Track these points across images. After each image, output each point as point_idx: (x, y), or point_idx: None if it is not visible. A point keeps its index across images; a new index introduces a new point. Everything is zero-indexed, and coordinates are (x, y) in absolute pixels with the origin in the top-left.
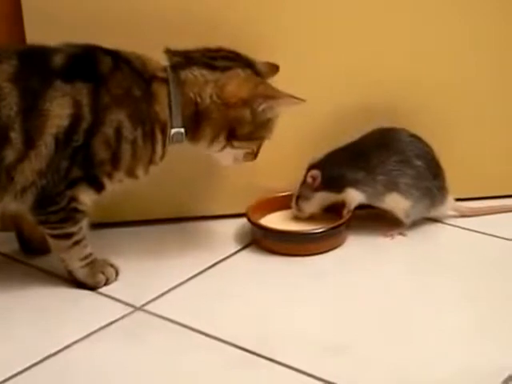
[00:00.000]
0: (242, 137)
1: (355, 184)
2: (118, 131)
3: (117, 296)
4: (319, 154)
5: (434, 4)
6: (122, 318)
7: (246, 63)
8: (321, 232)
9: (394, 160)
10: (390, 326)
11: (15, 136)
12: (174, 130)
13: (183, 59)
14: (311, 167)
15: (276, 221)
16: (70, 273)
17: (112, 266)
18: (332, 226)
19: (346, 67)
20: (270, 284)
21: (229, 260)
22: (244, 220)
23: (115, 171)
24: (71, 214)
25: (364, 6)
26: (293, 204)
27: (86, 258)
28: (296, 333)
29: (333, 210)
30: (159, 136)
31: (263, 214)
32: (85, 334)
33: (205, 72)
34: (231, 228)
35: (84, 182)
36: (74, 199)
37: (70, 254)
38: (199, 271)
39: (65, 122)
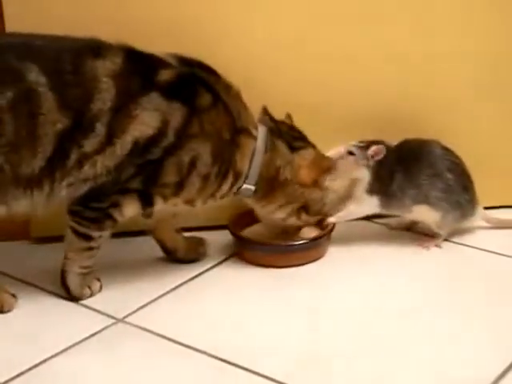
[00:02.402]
0: (312, 212)
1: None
2: (193, 162)
3: (98, 308)
4: None
5: (445, 19)
6: (104, 329)
7: (311, 142)
8: (300, 244)
9: (427, 173)
10: (367, 338)
11: (100, 128)
12: (245, 185)
13: (276, 128)
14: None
15: (258, 233)
16: (62, 273)
17: (98, 280)
18: (312, 238)
19: (361, 81)
20: (250, 296)
21: (210, 272)
22: (225, 232)
23: (173, 197)
24: (103, 219)
25: (377, 18)
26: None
27: (86, 268)
28: (274, 344)
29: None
30: (230, 179)
31: (245, 226)
32: (67, 345)
33: (288, 152)
34: (212, 240)
35: (135, 194)
36: (116, 205)
37: (77, 256)
38: (180, 283)
39: (149, 131)
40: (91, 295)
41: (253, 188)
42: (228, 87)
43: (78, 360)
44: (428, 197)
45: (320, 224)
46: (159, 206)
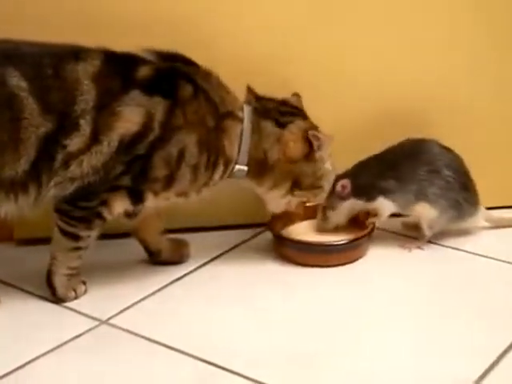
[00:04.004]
0: (305, 186)
1: (386, 193)
2: (182, 153)
3: (82, 310)
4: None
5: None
6: (88, 331)
7: (303, 114)
8: (341, 244)
9: (424, 170)
10: (353, 339)
11: (85, 126)
12: (237, 167)
13: (261, 107)
14: (339, 177)
15: (300, 231)
16: (49, 274)
17: (84, 283)
18: (353, 238)
19: (374, 79)
20: (234, 297)
21: (193, 274)
22: (208, 234)
23: (164, 191)
24: (92, 217)
25: (394, 21)
26: (319, 214)
27: (73, 268)
28: (260, 346)
29: (354, 223)
30: (221, 167)
31: (284, 225)
32: (50, 347)
33: (276, 130)
34: (198, 241)
35: (124, 191)
36: (105, 203)
37: (64, 256)
38: (164, 285)
39: (134, 128)
40: (76, 298)
41: (245, 168)
42: (207, 75)
43: (61, 362)
44: (427, 194)
45: (361, 224)
46: (150, 202)
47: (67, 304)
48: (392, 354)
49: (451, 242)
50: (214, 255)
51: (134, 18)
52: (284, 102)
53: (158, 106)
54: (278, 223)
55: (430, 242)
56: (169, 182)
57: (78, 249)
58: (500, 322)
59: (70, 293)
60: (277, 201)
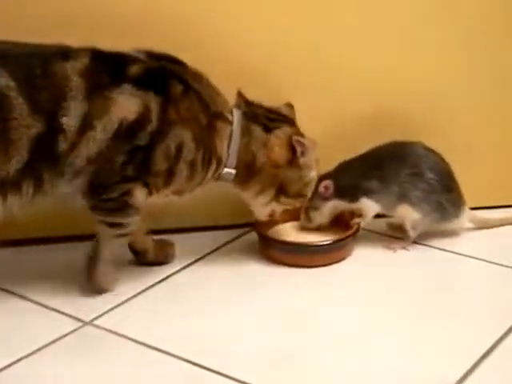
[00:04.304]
0: (292, 194)
1: (369, 193)
2: (179, 149)
3: (65, 310)
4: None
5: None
6: (71, 332)
7: (291, 122)
8: (327, 244)
9: (407, 172)
10: (334, 339)
11: (68, 123)
12: (226, 169)
13: (251, 112)
14: (322, 178)
15: (284, 232)
16: (91, 258)
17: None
18: (338, 238)
19: (361, 81)
20: (220, 297)
21: (180, 274)
22: (194, 234)
23: (164, 187)
24: (122, 207)
25: (383, 20)
26: (302, 214)
27: (114, 255)
28: (247, 347)
29: (339, 223)
30: (214, 165)
31: (271, 226)
32: (33, 349)
33: (263, 134)
34: (183, 242)
35: (139, 181)
36: (127, 193)
37: (110, 243)
38: (149, 285)
39: (131, 116)
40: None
41: (233, 172)
42: (197, 75)
43: (43, 364)
44: (409, 196)
45: (345, 225)
46: (154, 197)
47: (49, 305)
48: (375, 354)
49: (436, 242)
50: (199, 256)
51: (134, 18)
52: (272, 110)
53: (153, 100)
54: (264, 224)
55: (414, 242)
56: (169, 176)
57: (121, 235)
58: (483, 323)
59: (110, 283)
60: (262, 207)
